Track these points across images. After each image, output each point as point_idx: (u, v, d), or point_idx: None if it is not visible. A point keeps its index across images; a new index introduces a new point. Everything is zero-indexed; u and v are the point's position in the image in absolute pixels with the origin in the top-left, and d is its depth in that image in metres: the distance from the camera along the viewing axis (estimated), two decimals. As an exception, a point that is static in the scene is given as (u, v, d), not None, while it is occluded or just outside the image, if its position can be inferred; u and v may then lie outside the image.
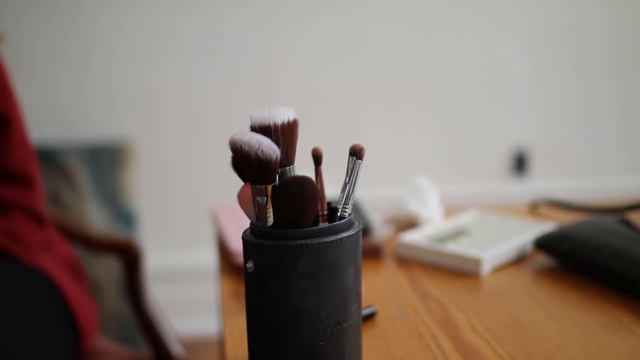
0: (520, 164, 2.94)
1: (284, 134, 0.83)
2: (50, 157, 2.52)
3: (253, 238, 0.83)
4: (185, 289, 2.77)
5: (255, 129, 0.83)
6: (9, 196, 1.54)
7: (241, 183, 0.84)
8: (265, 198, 0.82)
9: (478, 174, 2.93)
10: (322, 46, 2.75)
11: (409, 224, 1.43)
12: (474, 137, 2.92)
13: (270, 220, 0.82)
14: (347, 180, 0.88)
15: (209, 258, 2.51)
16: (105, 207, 2.57)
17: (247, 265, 0.82)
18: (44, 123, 2.58)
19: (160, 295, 2.47)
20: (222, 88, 2.71)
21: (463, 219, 1.44)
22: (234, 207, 1.44)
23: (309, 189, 0.81)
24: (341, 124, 2.80)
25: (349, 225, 0.86)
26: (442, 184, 2.90)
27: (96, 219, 2.55)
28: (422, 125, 2.87)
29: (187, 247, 2.77)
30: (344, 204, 0.87)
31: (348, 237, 0.84)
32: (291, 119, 0.84)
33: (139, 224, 2.62)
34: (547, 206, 1.57)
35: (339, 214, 0.87)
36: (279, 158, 0.81)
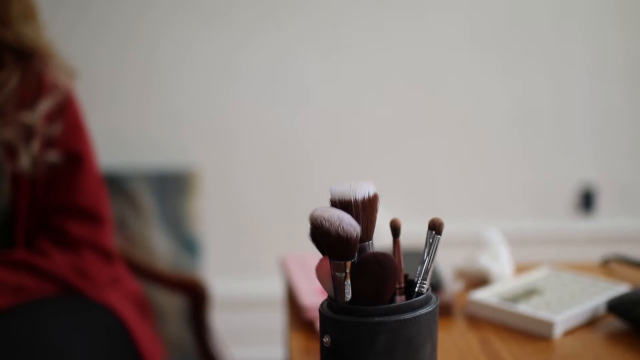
0: (586, 201, 2.89)
1: (364, 210, 0.82)
2: (116, 183, 2.54)
3: (331, 313, 0.82)
4: (248, 317, 2.77)
5: (336, 203, 0.83)
6: (79, 233, 1.57)
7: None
8: (344, 274, 0.81)
9: (543, 211, 2.89)
10: (383, 75, 2.73)
11: (480, 279, 1.41)
12: (539, 172, 2.88)
13: (348, 296, 0.82)
14: (425, 255, 0.87)
15: (272, 287, 2.52)
16: (170, 234, 2.58)
17: (324, 339, 0.82)
18: (111, 148, 2.61)
19: (222, 323, 2.47)
20: (289, 117, 2.71)
21: (534, 276, 1.42)
22: (303, 257, 1.44)
23: (387, 267, 0.81)
24: (404, 154, 2.78)
25: (426, 301, 0.85)
26: (506, 220, 2.91)
27: (161, 246, 2.57)
28: (486, 159, 2.84)
29: (250, 276, 2.78)
30: (421, 279, 0.86)
31: (426, 314, 0.83)
32: (371, 193, 0.83)
33: (202, 251, 2.64)
34: (619, 263, 1.54)
35: (416, 289, 0.86)
36: (359, 235, 0.80)
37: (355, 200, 0.82)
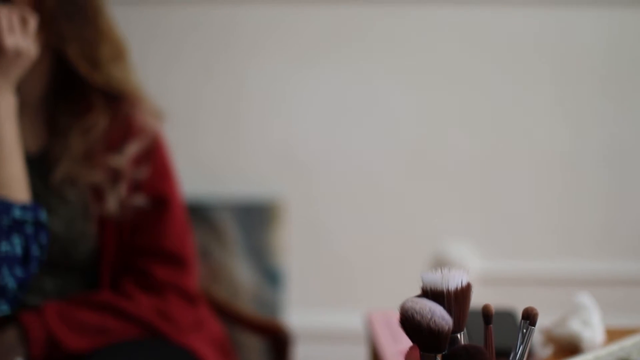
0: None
1: (457, 301, 0.79)
2: (201, 213, 2.55)
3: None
4: (329, 351, 2.75)
5: (427, 293, 0.80)
6: (164, 276, 1.57)
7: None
8: (434, 366, 0.78)
9: (635, 254, 2.79)
10: (470, 111, 2.68)
11: (570, 344, 1.36)
12: (633, 209, 2.78)
13: (438, 388, 0.79)
14: (518, 347, 0.83)
15: (355, 322, 2.49)
16: (253, 265, 2.58)
17: None
18: (196, 178, 2.61)
19: (303, 356, 2.45)
20: (374, 150, 2.68)
21: (627, 342, 1.36)
22: (389, 316, 1.41)
23: (480, 360, 0.77)
24: (489, 190, 2.72)
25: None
26: (592, 262, 2.83)
27: (243, 276, 2.57)
28: (574, 199, 2.75)
29: (333, 309, 2.76)
30: (515, 372, 0.83)
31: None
32: (464, 283, 0.80)
33: (285, 283, 2.62)
34: None
35: (509, 382, 0.83)
36: (451, 329, 0.77)
37: (448, 291, 0.79)
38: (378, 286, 2.72)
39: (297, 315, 2.61)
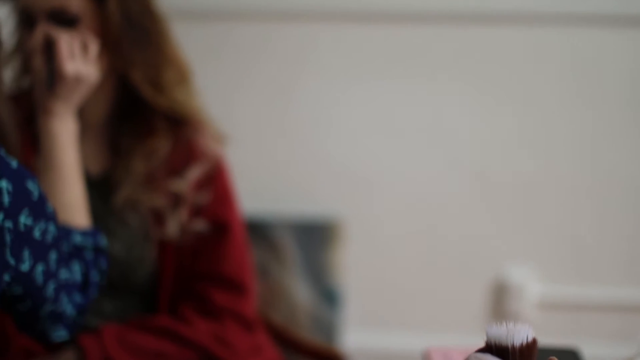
0: None
1: (522, 356, 0.77)
2: (260, 231, 2.55)
3: None
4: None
5: (492, 348, 0.78)
6: (223, 301, 1.57)
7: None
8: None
9: None
10: (536, 135, 2.64)
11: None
12: None
13: None
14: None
15: (412, 344, 2.46)
16: (310, 284, 2.57)
17: None
18: (256, 196, 2.61)
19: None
20: (437, 172, 2.65)
21: None
22: (448, 354, 1.39)
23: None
24: (552, 212, 2.67)
25: None
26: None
27: (301, 295, 2.56)
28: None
29: (390, 330, 2.73)
30: None
31: None
32: (530, 339, 0.78)
33: (343, 302, 2.61)
34: None
35: None
36: (515, 385, 0.75)
37: (513, 347, 0.76)
38: (437, 308, 2.69)
39: (353, 336, 2.60)
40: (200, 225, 1.55)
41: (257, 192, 2.62)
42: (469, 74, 2.63)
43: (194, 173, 1.55)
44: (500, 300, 2.66)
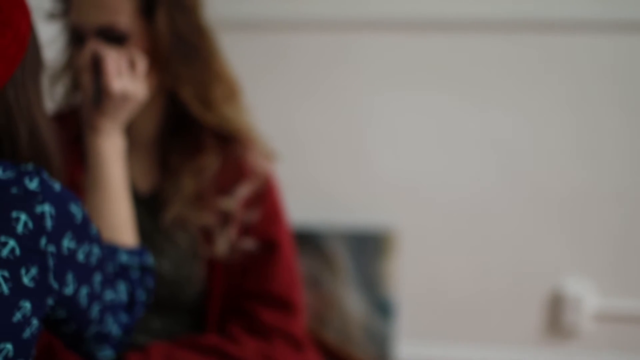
0: None
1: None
2: (313, 241, 2.54)
3: None
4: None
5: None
6: (271, 321, 1.55)
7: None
8: None
9: None
10: (587, 143, 2.58)
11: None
12: None
13: None
14: None
15: (467, 356, 2.44)
16: (363, 295, 2.55)
17: None
18: (309, 206, 2.60)
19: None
20: (490, 182, 2.61)
21: None
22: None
23: None
24: (609, 224, 2.60)
25: None
26: None
27: (354, 306, 2.54)
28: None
29: (444, 342, 2.70)
30: None
31: None
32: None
33: (396, 314, 2.58)
34: None
35: None
36: None
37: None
38: (491, 320, 2.65)
39: (406, 348, 2.57)
40: (249, 244, 1.54)
41: (310, 202, 2.61)
42: (523, 83, 2.57)
43: (243, 191, 1.54)
44: (556, 313, 2.61)
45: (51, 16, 1.51)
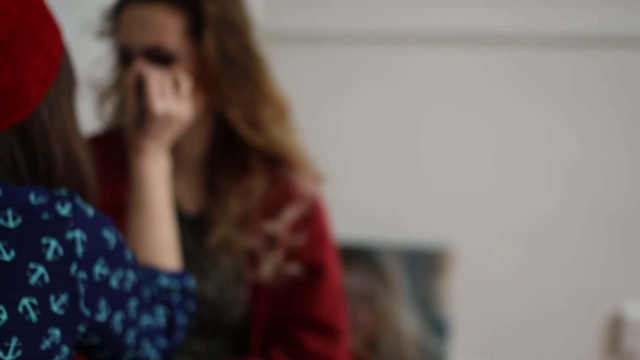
0: None
1: None
2: (368, 257, 2.52)
3: None
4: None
5: None
6: (314, 346, 1.53)
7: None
8: None
9: None
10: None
11: None
12: None
13: None
14: None
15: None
16: (418, 313, 2.52)
17: None
18: (364, 221, 2.58)
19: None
20: (549, 199, 2.55)
21: None
22: None
23: None
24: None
25: None
26: None
27: (408, 324, 2.51)
28: None
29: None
30: None
31: None
32: None
33: (451, 333, 2.54)
34: None
35: None
36: None
37: None
38: (548, 341, 2.60)
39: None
40: (294, 268, 1.51)
41: (366, 218, 2.59)
42: (586, 98, 2.52)
43: (290, 214, 1.51)
44: (616, 336, 2.55)
45: (101, 34, 1.50)
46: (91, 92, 1.56)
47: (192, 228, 1.52)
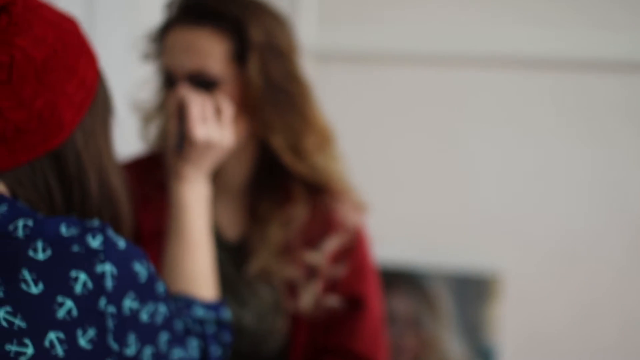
0: None
1: None
2: (415, 281, 2.49)
3: None
4: None
5: None
6: (353, 379, 1.49)
7: None
8: None
9: None
10: None
11: None
12: None
13: None
14: None
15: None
16: (465, 339, 2.48)
17: None
18: (411, 244, 2.54)
19: None
20: (599, 225, 2.49)
21: None
22: None
23: None
24: None
25: None
26: None
27: (454, 350, 2.47)
28: None
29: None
30: None
31: None
32: None
33: (497, 361, 2.50)
34: None
35: None
36: None
37: None
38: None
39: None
40: (334, 300, 1.48)
41: (413, 242, 2.56)
42: (633, 122, 2.47)
43: (331, 245, 1.48)
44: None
45: (146, 57, 1.49)
46: (135, 114, 1.54)
47: (231, 254, 1.49)
